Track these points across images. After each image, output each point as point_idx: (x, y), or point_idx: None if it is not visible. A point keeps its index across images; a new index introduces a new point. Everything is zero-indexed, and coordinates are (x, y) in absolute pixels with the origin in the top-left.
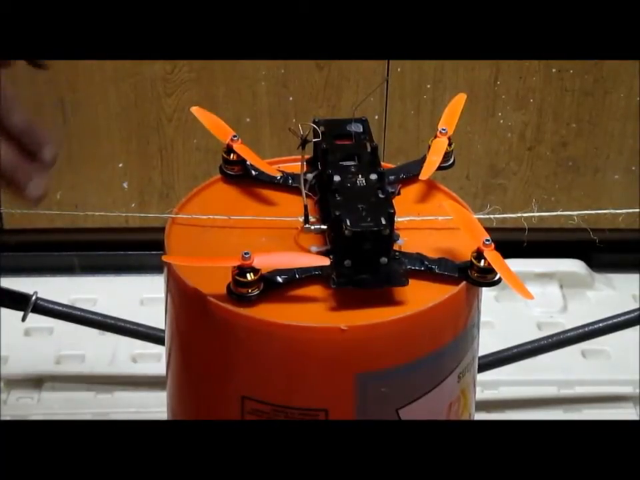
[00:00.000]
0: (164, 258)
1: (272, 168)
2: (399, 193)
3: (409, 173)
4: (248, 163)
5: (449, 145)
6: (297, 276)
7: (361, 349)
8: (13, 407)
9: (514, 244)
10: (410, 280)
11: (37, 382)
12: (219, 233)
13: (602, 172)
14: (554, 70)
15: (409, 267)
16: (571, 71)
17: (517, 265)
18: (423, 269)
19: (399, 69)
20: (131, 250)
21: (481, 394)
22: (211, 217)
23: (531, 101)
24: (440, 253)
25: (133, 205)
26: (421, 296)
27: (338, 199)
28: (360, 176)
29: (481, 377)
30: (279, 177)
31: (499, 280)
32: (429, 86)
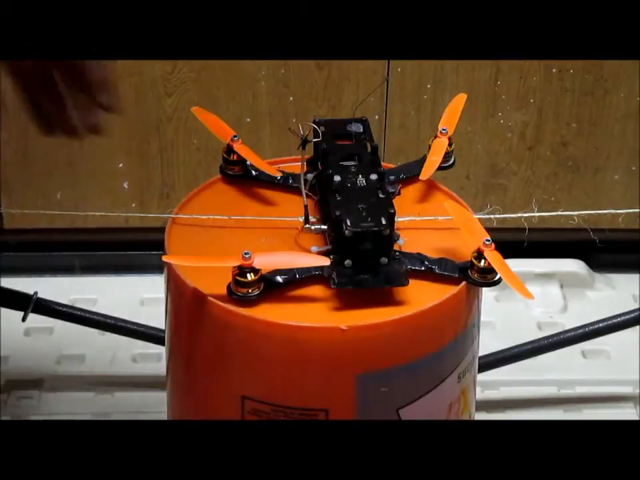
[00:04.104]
0: (164, 258)
1: (272, 168)
2: (399, 193)
3: (409, 173)
4: (248, 162)
5: (449, 145)
6: (297, 276)
7: (362, 349)
8: (13, 407)
9: (514, 244)
10: (410, 280)
11: (37, 382)
12: (219, 232)
13: (602, 172)
14: (554, 70)
15: (409, 267)
16: (571, 71)
17: (516, 265)
18: (423, 269)
19: (399, 69)
20: (131, 250)
21: (481, 394)
22: (211, 216)
23: (531, 101)
24: (440, 253)
25: (133, 205)
26: (421, 296)
27: (338, 199)
28: (360, 176)
29: (481, 377)
30: (279, 177)
31: (499, 280)
32: (429, 86)
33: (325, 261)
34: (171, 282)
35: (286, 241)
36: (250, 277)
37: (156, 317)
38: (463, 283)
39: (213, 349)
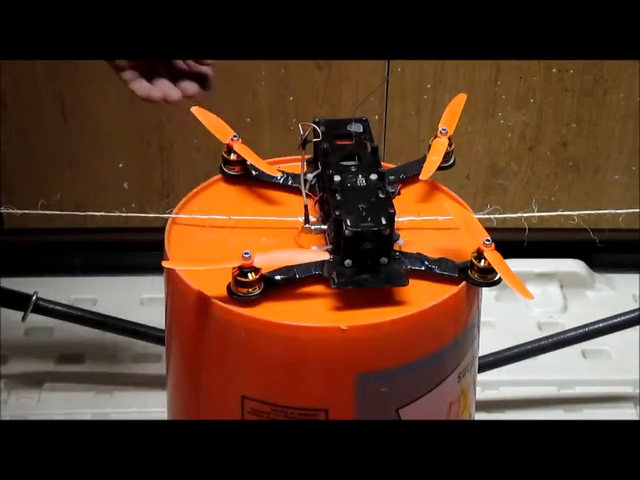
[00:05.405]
0: (164, 264)
1: (272, 168)
2: (399, 193)
3: (409, 173)
4: (248, 162)
5: (449, 145)
6: (298, 276)
7: (361, 349)
8: (13, 407)
9: (514, 244)
10: (410, 280)
11: (37, 382)
12: (219, 232)
13: (602, 172)
14: (554, 70)
15: (409, 266)
16: (571, 71)
17: (516, 265)
18: (423, 268)
19: (399, 69)
20: (130, 250)
21: (481, 394)
22: (210, 217)
23: (531, 101)
24: (440, 253)
25: (133, 205)
26: (421, 296)
27: (338, 198)
28: (360, 176)
29: (481, 377)
30: (279, 177)
31: (499, 280)
32: (429, 86)
33: (325, 255)
34: (170, 282)
35: (286, 240)
36: (251, 276)
37: (156, 317)
38: (463, 283)
39: (213, 348)
